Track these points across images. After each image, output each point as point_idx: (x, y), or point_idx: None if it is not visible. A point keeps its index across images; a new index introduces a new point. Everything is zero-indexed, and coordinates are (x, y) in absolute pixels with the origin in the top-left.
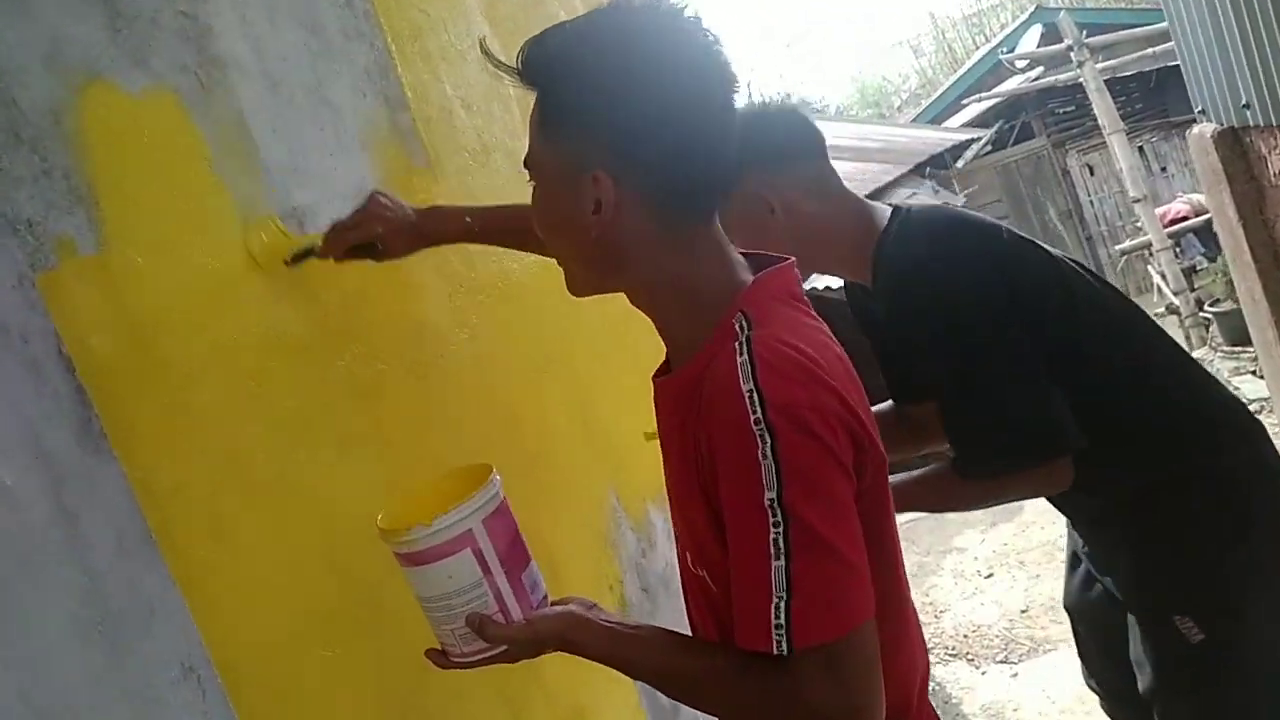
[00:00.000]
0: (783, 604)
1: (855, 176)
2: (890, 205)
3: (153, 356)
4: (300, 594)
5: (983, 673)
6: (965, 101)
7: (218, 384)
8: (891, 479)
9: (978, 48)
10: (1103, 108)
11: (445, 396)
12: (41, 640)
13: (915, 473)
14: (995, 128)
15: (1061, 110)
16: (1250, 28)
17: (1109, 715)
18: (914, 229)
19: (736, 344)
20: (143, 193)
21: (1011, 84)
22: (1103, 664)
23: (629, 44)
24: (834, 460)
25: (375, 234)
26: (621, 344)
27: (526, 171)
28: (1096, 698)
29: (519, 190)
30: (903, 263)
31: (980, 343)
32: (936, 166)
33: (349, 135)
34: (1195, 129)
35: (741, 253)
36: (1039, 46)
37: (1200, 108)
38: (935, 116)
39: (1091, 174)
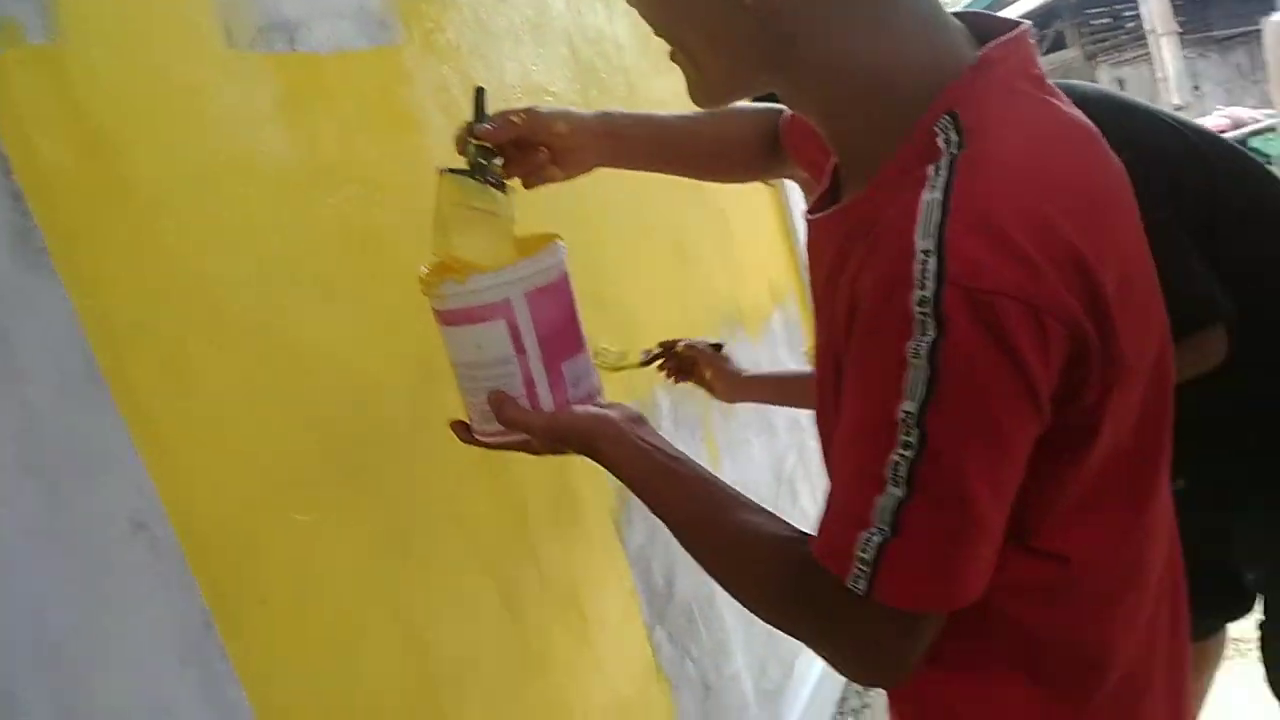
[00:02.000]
0: (877, 541)
1: None
2: None
3: (113, 172)
4: (274, 452)
5: None
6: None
7: (190, 212)
8: None
9: None
10: (1157, 10)
11: None
12: None
13: None
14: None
15: (1096, 21)
16: None
17: None
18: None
19: (932, 168)
20: None
21: None
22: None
23: None
24: (1022, 383)
25: (557, 128)
26: (647, 223)
27: None
28: None
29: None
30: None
31: None
32: None
33: None
34: (1275, 17)
35: (959, 13)
36: None
37: None
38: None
39: (1121, 88)
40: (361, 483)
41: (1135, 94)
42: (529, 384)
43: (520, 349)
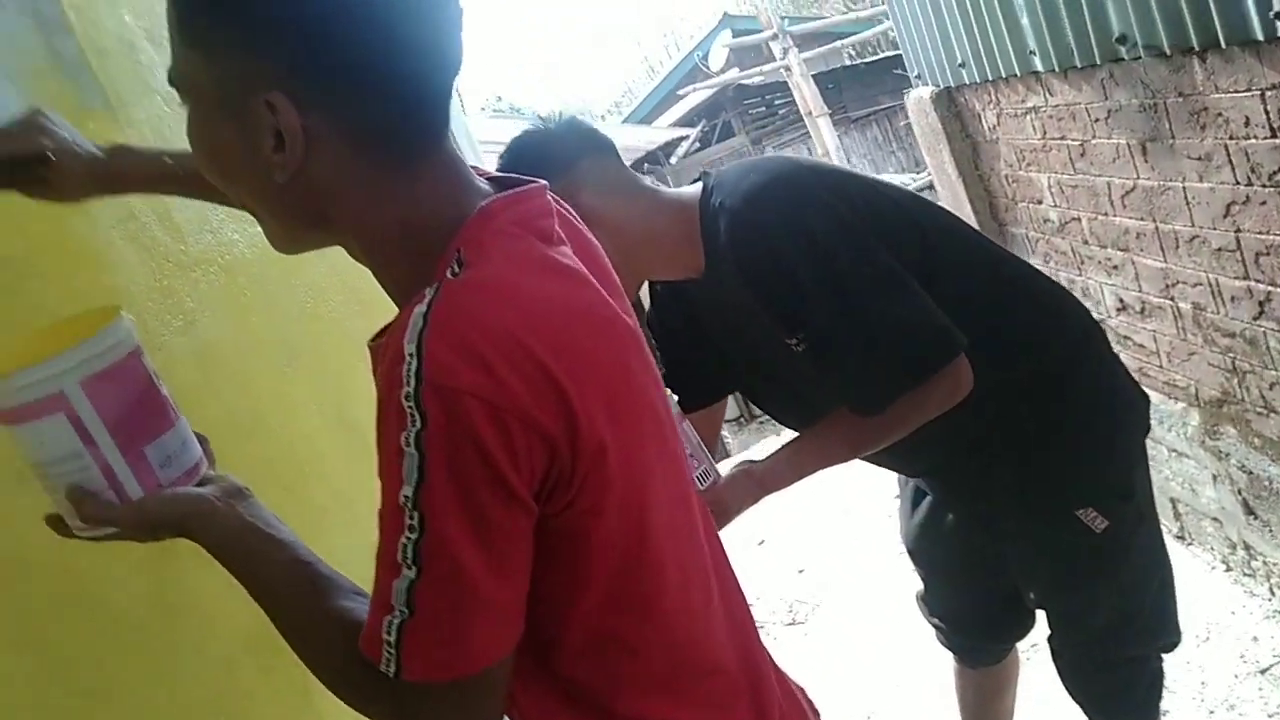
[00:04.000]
0: (398, 622)
1: None
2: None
3: None
4: None
5: (774, 638)
6: (682, 91)
7: None
8: (782, 451)
9: (670, 56)
10: (808, 93)
11: None
12: None
13: (805, 434)
14: (700, 126)
15: (754, 110)
16: None
17: (948, 645)
18: (734, 178)
19: (429, 289)
20: None
21: (709, 86)
22: (949, 595)
23: None
24: (490, 471)
25: (43, 149)
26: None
27: (175, 90)
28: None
29: None
30: (739, 209)
31: (848, 261)
32: (653, 163)
33: None
34: (913, 93)
35: (493, 177)
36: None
37: (916, 73)
38: (642, 118)
39: None
40: (100, 705)
41: None
42: (109, 474)
43: (89, 440)
